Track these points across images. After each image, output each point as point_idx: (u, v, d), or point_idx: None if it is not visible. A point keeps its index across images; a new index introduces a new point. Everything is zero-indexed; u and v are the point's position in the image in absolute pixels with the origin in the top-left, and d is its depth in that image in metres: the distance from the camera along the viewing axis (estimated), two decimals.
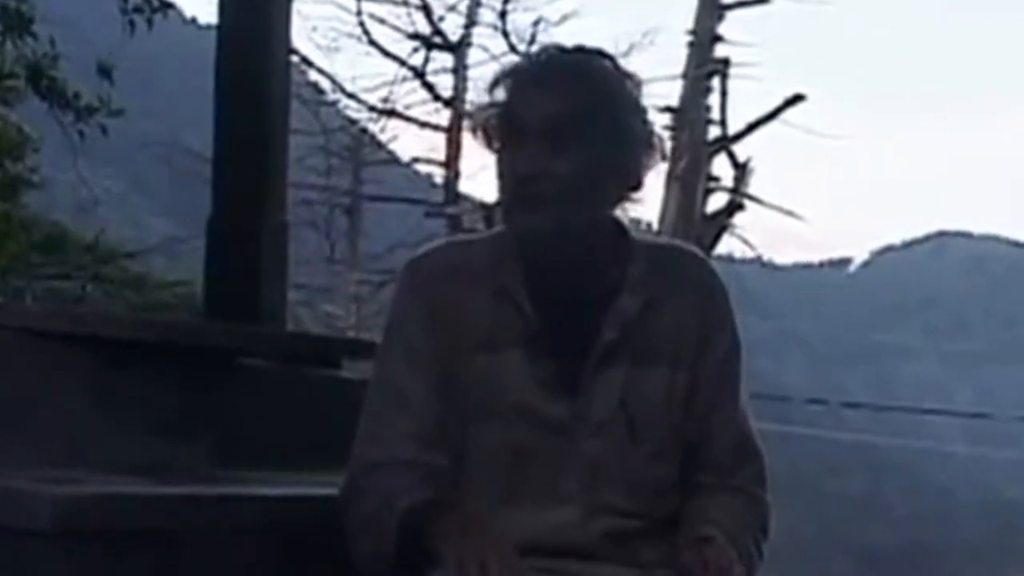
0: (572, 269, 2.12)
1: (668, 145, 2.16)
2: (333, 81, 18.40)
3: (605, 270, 2.14)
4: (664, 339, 2.14)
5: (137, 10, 6.98)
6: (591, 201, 2.09)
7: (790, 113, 14.68)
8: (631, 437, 2.11)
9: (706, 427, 2.17)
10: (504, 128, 2.09)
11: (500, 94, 2.11)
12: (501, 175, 2.11)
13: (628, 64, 2.14)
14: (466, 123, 2.24)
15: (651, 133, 2.12)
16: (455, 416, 2.11)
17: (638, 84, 2.13)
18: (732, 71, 14.81)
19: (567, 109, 2.05)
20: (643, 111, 2.12)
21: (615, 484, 2.10)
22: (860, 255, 68.45)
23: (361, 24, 17.63)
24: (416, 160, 19.50)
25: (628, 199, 2.14)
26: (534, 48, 15.92)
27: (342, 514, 2.14)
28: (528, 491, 2.08)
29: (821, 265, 62.78)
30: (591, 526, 2.09)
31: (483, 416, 2.10)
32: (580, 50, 2.16)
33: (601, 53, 2.14)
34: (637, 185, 2.13)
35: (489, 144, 2.13)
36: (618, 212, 2.16)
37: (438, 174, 18.62)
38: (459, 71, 17.44)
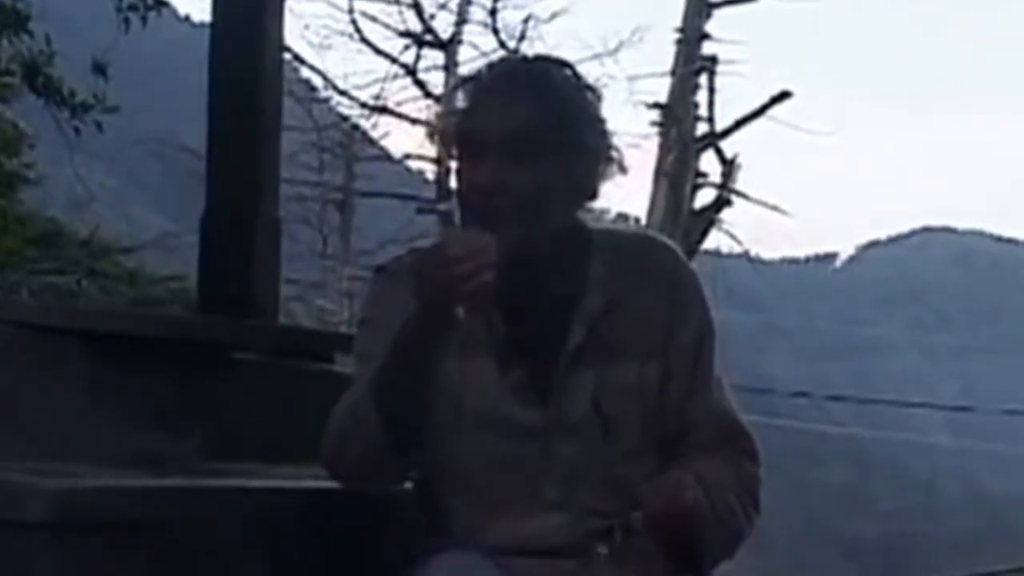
0: (533, 276, 2.09)
1: (625, 158, 2.12)
2: (325, 78, 18.32)
3: (566, 273, 2.11)
4: (631, 333, 2.11)
5: (132, 8, 7.02)
6: (548, 214, 2.07)
7: (777, 109, 14.69)
8: (606, 437, 2.09)
9: (684, 414, 2.13)
10: (463, 140, 2.08)
11: (459, 103, 2.09)
12: (460, 186, 2.09)
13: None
14: (427, 130, 2.23)
15: (609, 146, 2.10)
16: (428, 427, 2.07)
17: (598, 96, 2.12)
18: (720, 68, 14.81)
19: (527, 123, 2.04)
20: (602, 122, 2.11)
21: (593, 486, 2.09)
22: (846, 250, 68.56)
23: (353, 22, 17.57)
24: (408, 156, 19.43)
25: (584, 208, 2.13)
26: (524, 45, 15.85)
27: (328, 455, 2.10)
28: (509, 500, 2.07)
29: (807, 260, 62.66)
30: (576, 529, 2.08)
31: (458, 427, 2.08)
32: (541, 60, 2.15)
33: (562, 63, 2.12)
34: (593, 195, 2.12)
35: (448, 152, 2.11)
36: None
37: (430, 170, 18.59)
38: (450, 68, 17.39)
